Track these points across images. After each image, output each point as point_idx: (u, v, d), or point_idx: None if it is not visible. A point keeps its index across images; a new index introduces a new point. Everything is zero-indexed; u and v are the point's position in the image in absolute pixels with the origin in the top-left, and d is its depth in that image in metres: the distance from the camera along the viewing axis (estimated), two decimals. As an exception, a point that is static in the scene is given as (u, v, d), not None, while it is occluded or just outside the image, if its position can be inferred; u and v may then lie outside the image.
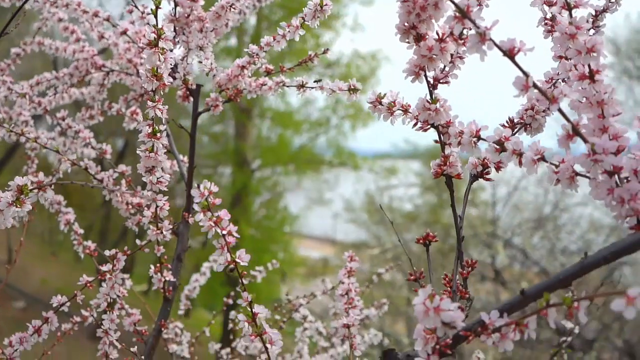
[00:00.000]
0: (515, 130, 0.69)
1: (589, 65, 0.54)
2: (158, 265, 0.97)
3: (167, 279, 0.98)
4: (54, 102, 1.27)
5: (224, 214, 0.63)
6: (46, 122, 1.28)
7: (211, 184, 0.62)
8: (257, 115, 12.00)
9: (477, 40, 0.51)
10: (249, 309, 0.66)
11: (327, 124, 11.91)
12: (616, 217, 0.52)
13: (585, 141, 0.52)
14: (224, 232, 0.62)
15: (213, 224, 0.62)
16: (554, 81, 0.69)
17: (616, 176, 0.53)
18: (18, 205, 0.67)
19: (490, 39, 0.51)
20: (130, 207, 1.02)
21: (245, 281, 0.66)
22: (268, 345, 0.65)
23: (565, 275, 0.51)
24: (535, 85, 0.51)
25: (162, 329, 0.99)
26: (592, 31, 0.73)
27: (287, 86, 0.99)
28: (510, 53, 0.51)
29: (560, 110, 0.52)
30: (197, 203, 0.61)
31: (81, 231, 1.10)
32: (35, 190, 0.66)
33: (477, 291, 7.74)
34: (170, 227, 0.91)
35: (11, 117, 1.22)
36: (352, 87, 0.83)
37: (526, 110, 0.68)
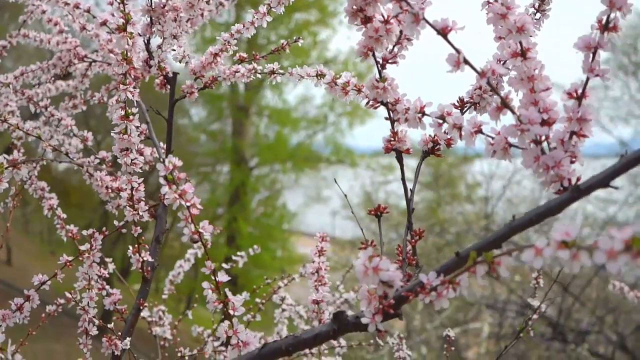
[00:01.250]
0: (465, 108, 0.73)
1: (520, 43, 0.58)
2: (136, 246, 1.01)
3: (146, 259, 1.02)
4: (41, 94, 1.31)
5: (188, 187, 0.67)
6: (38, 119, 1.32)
7: (176, 159, 0.66)
8: (255, 113, 12.04)
9: (411, 20, 0.55)
10: (213, 278, 0.70)
11: (325, 122, 11.96)
12: (543, 183, 0.56)
13: (513, 113, 0.56)
14: (189, 204, 0.66)
15: (177, 197, 0.66)
16: (502, 62, 0.73)
17: (545, 145, 0.57)
18: (-6, 183, 0.71)
19: (424, 19, 0.55)
20: (109, 191, 1.06)
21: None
22: (231, 311, 0.69)
23: (496, 236, 0.55)
24: (465, 61, 0.55)
25: (141, 308, 1.03)
26: (538, 14, 0.77)
27: (259, 73, 1.03)
28: (443, 32, 0.55)
29: (489, 84, 0.56)
30: (162, 176, 0.66)
31: (64, 215, 1.14)
32: (10, 168, 0.70)
33: (472, 285, 7.80)
34: (146, 208, 0.95)
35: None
36: (319, 72, 0.87)
37: (475, 89, 0.72)
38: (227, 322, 0.69)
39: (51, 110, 1.14)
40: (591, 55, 0.56)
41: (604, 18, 0.56)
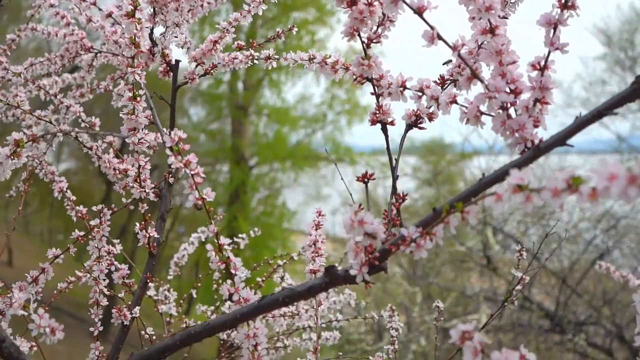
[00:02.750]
0: (446, 85, 0.80)
1: (489, 21, 0.65)
2: (143, 222, 1.07)
3: (152, 235, 1.09)
4: (48, 85, 1.37)
5: (192, 157, 0.74)
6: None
7: (181, 131, 0.73)
8: (254, 112, 12.11)
9: (390, 1, 0.61)
10: (216, 241, 0.76)
11: (324, 120, 12.03)
12: (509, 145, 0.63)
13: (482, 82, 0.62)
14: (193, 172, 0.73)
15: (183, 165, 0.73)
16: (479, 43, 0.80)
17: (512, 111, 0.64)
18: (15, 157, 0.78)
19: (402, 0, 0.61)
20: (117, 172, 1.12)
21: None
22: (233, 271, 0.76)
23: (467, 192, 0.62)
24: (439, 37, 0.62)
25: (148, 281, 1.10)
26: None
27: (256, 59, 1.09)
28: (419, 11, 0.62)
29: (460, 56, 0.62)
30: (168, 148, 0.72)
31: (73, 198, 1.21)
32: (30, 143, 0.76)
33: (470, 282, 7.87)
34: (152, 185, 1.02)
35: (8, 100, 1.33)
36: (311, 56, 0.94)
37: (455, 67, 0.79)
38: (229, 281, 0.76)
39: (60, 98, 1.21)
40: (552, 30, 0.63)
41: (563, -3, 0.62)
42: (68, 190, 1.22)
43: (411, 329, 6.34)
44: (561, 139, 0.58)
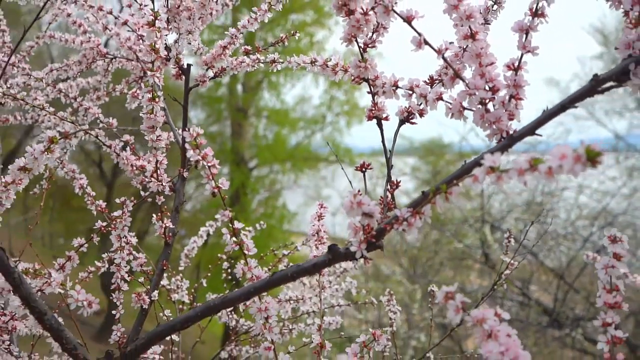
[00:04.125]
0: (435, 84, 0.89)
1: (470, 28, 0.74)
2: (159, 214, 1.17)
3: (167, 225, 1.18)
4: (66, 88, 1.47)
5: (209, 151, 0.83)
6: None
7: (198, 128, 0.82)
8: (253, 114, 12.20)
9: (383, 11, 0.71)
10: (231, 226, 0.86)
11: (323, 121, 12.12)
12: (488, 135, 0.72)
13: (463, 81, 0.72)
14: (210, 164, 0.83)
15: (201, 158, 0.82)
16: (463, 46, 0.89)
17: (490, 106, 0.73)
18: (49, 153, 0.87)
19: (393, 10, 0.71)
20: (134, 168, 1.21)
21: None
22: (245, 251, 0.85)
23: (451, 177, 0.71)
24: (426, 42, 0.71)
25: (164, 268, 1.19)
26: (495, 6, 0.93)
27: (262, 62, 1.19)
28: (408, 19, 0.71)
29: (444, 59, 0.72)
30: (187, 142, 0.82)
31: (93, 193, 1.30)
32: (62, 139, 0.86)
33: (470, 280, 7.96)
34: (169, 179, 1.11)
35: (27, 103, 1.42)
36: (313, 60, 1.03)
37: (442, 68, 0.88)
38: (243, 261, 0.85)
39: (80, 100, 1.30)
40: (524, 35, 0.72)
41: (534, 6, 0.72)
42: (88, 187, 1.31)
43: (411, 325, 6.42)
44: (531, 129, 0.68)
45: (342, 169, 1.18)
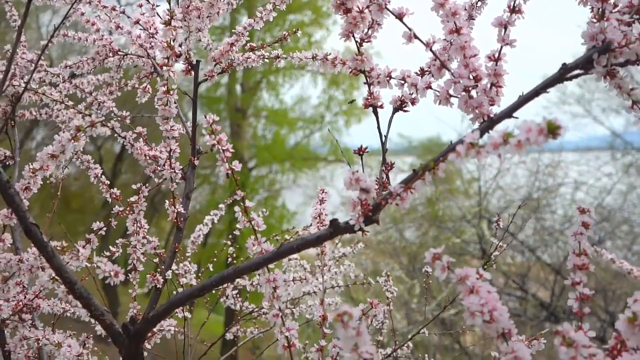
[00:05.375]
0: (425, 75, 0.98)
1: (455, 23, 0.83)
2: (172, 199, 1.26)
3: (179, 210, 1.27)
4: (81, 84, 1.55)
5: (223, 137, 0.92)
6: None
7: (214, 115, 0.91)
8: (252, 114, 12.29)
9: (377, 9, 0.79)
10: (242, 204, 0.94)
11: (322, 121, 12.22)
12: (472, 119, 0.81)
13: (449, 71, 0.81)
14: (224, 148, 0.91)
15: (216, 143, 0.91)
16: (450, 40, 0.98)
17: (473, 93, 0.82)
18: (75, 140, 0.96)
19: (386, 8, 0.80)
20: (147, 158, 1.30)
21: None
22: (256, 227, 0.94)
23: (439, 156, 0.80)
24: (415, 36, 0.80)
25: (176, 250, 1.28)
26: (479, 3, 1.02)
27: (266, 58, 1.28)
28: (400, 16, 0.80)
29: (432, 51, 0.81)
30: (204, 128, 0.90)
31: (107, 182, 1.39)
32: (89, 128, 0.94)
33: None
34: (181, 167, 1.20)
35: (48, 97, 1.51)
36: (314, 55, 1.12)
37: (431, 60, 0.97)
38: (252, 236, 0.94)
39: (94, 95, 1.39)
40: (503, 29, 0.81)
41: (512, 4, 0.81)
42: (103, 176, 1.40)
43: (410, 321, 6.51)
44: (508, 113, 0.76)
45: (348, 164, 1.27)
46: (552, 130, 0.57)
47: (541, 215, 7.14)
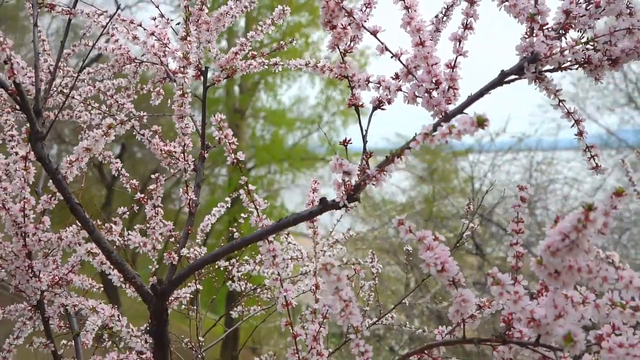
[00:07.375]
0: (397, 79, 1.17)
1: (419, 37, 1.02)
2: (185, 187, 1.45)
3: (192, 198, 1.46)
4: (103, 87, 1.75)
5: (230, 131, 1.11)
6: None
7: (222, 115, 1.10)
8: (251, 115, 12.47)
9: (356, 27, 0.99)
10: (246, 187, 1.14)
11: (319, 121, 12.40)
12: (432, 115, 1.00)
13: (414, 76, 1.00)
14: (230, 141, 1.11)
15: (223, 137, 1.11)
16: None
17: (434, 94, 1.01)
18: (107, 136, 1.15)
19: (363, 26, 0.99)
20: (162, 152, 1.50)
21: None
22: (257, 207, 1.14)
23: (406, 144, 0.99)
24: (386, 48, 0.99)
25: (189, 232, 1.48)
26: (445, 18, 1.21)
27: (267, 65, 1.47)
28: (374, 33, 1.00)
29: (400, 61, 1.00)
30: (213, 125, 1.10)
31: (127, 174, 1.58)
32: (119, 125, 1.14)
33: (463, 273, 8.24)
34: (194, 159, 1.39)
35: (74, 98, 1.70)
36: (307, 62, 1.31)
37: (402, 68, 1.16)
38: (255, 213, 1.14)
39: (115, 97, 1.58)
40: (458, 42, 1.00)
41: (465, 21, 1.00)
42: (123, 169, 1.59)
43: (407, 314, 6.71)
44: (459, 110, 0.96)
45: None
46: (480, 122, 0.76)
47: (534, 211, 7.34)
